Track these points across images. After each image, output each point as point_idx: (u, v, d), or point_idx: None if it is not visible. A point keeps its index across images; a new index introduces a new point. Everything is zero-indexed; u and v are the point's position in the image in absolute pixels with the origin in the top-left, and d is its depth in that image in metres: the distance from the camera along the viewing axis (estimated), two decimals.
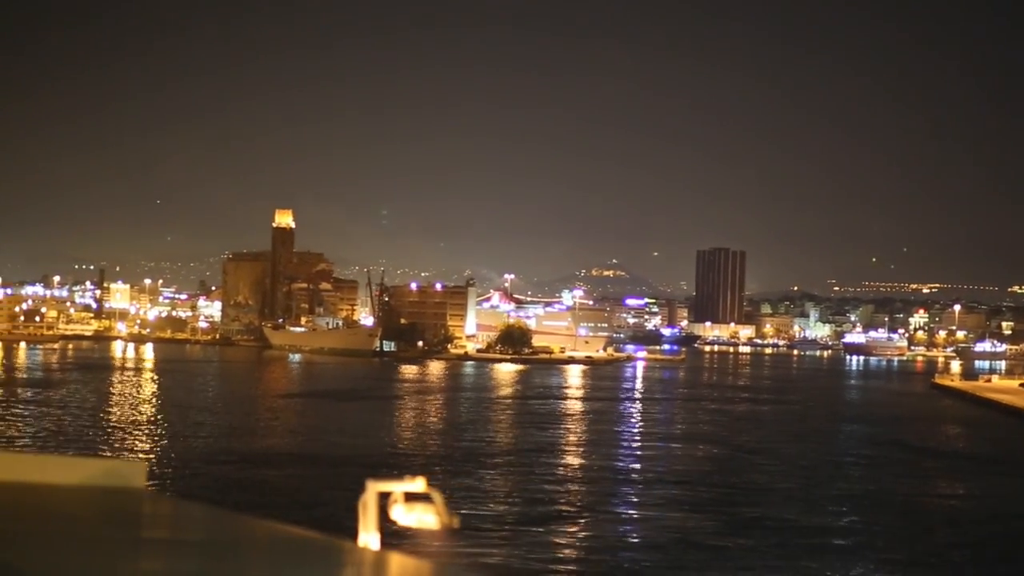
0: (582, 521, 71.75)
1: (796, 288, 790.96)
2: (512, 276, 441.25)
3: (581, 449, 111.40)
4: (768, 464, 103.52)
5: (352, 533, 7.56)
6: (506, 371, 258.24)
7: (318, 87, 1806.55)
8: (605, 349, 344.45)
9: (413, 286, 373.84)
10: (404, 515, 7.46)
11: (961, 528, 73.34)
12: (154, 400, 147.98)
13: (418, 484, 7.51)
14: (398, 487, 7.50)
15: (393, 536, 7.70)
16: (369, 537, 7.46)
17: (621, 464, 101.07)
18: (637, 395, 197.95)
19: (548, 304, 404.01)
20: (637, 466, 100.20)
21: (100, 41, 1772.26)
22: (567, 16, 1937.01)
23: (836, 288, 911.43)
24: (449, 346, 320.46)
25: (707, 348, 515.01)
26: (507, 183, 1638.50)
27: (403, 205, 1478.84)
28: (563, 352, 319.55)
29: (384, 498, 7.51)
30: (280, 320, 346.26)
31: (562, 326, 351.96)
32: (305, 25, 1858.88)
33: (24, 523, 7.29)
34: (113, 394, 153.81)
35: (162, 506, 8.69)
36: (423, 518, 7.45)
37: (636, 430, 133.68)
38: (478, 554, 59.52)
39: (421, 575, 7.13)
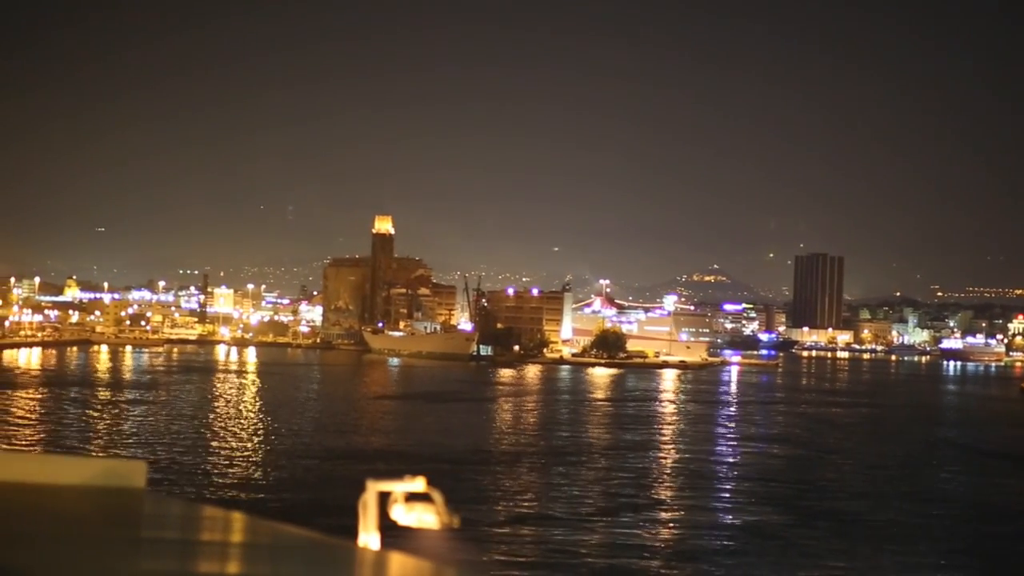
0: (656, 512, 76.89)
1: (899, 294, 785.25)
2: (607, 282, 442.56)
3: (666, 448, 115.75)
4: (845, 463, 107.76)
5: (352, 533, 7.67)
6: (600, 375, 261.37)
7: (416, 100, 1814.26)
8: (707, 354, 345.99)
9: (510, 291, 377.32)
10: (404, 515, 7.60)
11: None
12: (256, 401, 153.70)
13: (418, 484, 7.63)
14: (398, 487, 7.64)
15: (393, 536, 7.78)
16: (369, 537, 7.58)
17: (703, 462, 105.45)
18: (727, 399, 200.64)
19: (649, 309, 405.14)
20: (718, 464, 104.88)
21: (199, 46, 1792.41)
22: (671, 22, 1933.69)
23: (940, 294, 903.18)
24: (545, 350, 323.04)
25: (804, 353, 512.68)
26: (609, 189, 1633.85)
27: (505, 211, 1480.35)
28: (657, 357, 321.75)
29: (384, 498, 7.65)
30: (379, 324, 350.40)
31: (663, 331, 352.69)
32: (401, 40, 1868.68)
33: (24, 523, 7.37)
34: (216, 396, 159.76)
35: (162, 506, 8.74)
36: (423, 518, 7.58)
37: (721, 431, 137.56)
38: (560, 539, 64.69)
39: (421, 575, 7.15)
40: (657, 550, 63.99)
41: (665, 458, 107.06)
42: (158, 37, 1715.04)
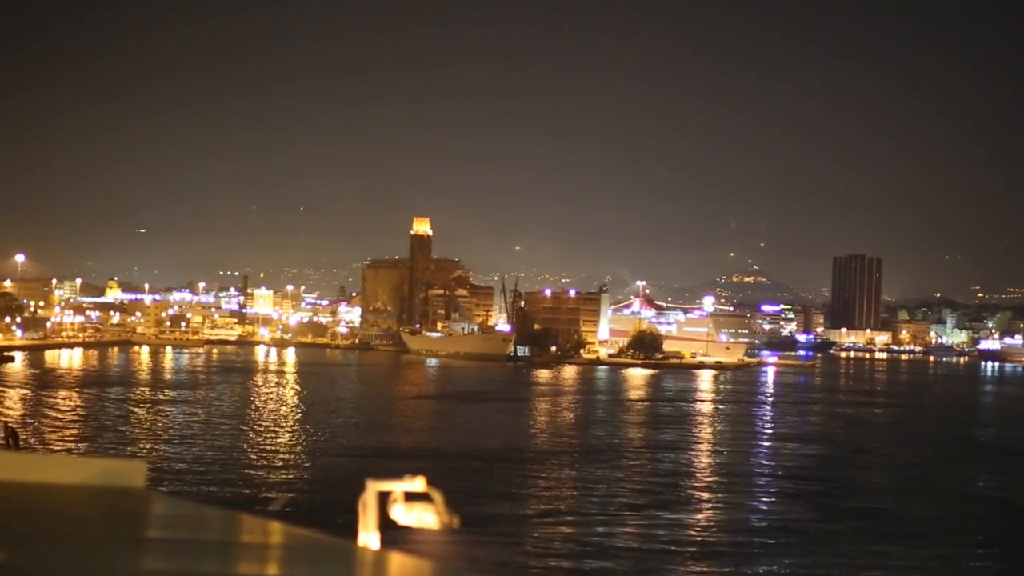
0: (685, 509, 78.35)
1: (939, 295, 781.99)
2: (644, 283, 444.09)
3: (699, 447, 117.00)
4: (874, 462, 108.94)
5: (352, 532, 7.69)
6: (637, 375, 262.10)
7: (453, 99, 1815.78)
8: (746, 355, 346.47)
9: (547, 292, 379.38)
10: (404, 514, 7.60)
11: None
12: (292, 401, 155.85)
13: (418, 483, 7.62)
14: (398, 486, 7.63)
15: (394, 535, 7.88)
16: (369, 536, 7.58)
17: (734, 461, 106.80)
18: (763, 399, 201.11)
19: (688, 310, 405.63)
20: (749, 463, 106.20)
21: (236, 48, 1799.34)
22: (714, 26, 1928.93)
23: (980, 295, 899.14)
24: (581, 351, 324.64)
25: (843, 354, 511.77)
26: (647, 191, 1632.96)
27: (541, 211, 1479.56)
28: (693, 357, 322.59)
29: (384, 498, 7.65)
30: (417, 325, 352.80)
31: (703, 332, 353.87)
32: (433, 40, 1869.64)
33: (25, 523, 7.35)
34: (253, 395, 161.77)
35: (162, 506, 8.68)
36: (423, 517, 7.58)
37: (755, 431, 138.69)
38: (586, 534, 66.45)
39: (421, 574, 7.19)
40: (683, 545, 65.35)
41: (697, 457, 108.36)
42: (193, 40, 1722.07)
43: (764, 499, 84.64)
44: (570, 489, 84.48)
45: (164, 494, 8.46)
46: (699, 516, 75.70)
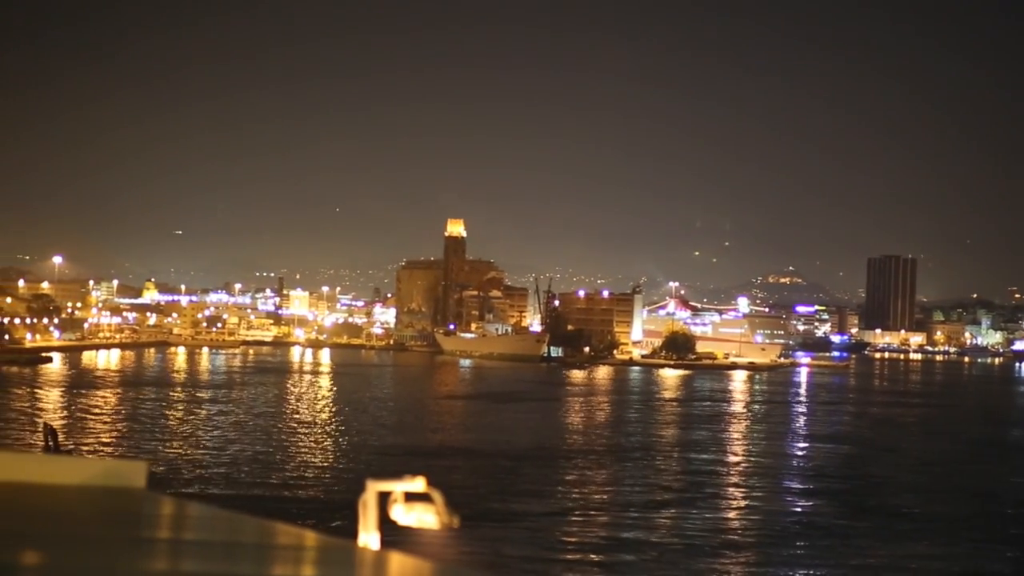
0: (710, 505, 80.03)
1: (975, 296, 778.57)
2: (677, 284, 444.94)
3: (728, 446, 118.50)
4: (900, 461, 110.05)
5: (352, 533, 7.68)
6: (670, 376, 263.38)
7: (487, 100, 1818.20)
8: (780, 356, 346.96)
9: (580, 293, 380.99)
10: (404, 515, 7.58)
11: None
12: (326, 401, 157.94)
13: (418, 484, 7.57)
14: (398, 486, 7.60)
15: (394, 535, 7.87)
16: (369, 537, 7.55)
17: (762, 459, 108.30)
18: (794, 399, 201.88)
19: (723, 311, 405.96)
20: (776, 461, 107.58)
21: (269, 46, 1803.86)
22: (743, 28, 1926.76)
23: (1017, 296, 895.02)
24: (615, 352, 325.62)
25: (877, 355, 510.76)
26: (679, 193, 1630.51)
27: (574, 213, 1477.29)
28: (726, 358, 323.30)
29: (385, 498, 7.62)
30: (451, 326, 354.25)
31: (738, 333, 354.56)
32: (468, 41, 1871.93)
33: (25, 523, 7.34)
34: (288, 395, 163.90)
35: (162, 506, 8.65)
36: (423, 518, 7.54)
37: (784, 430, 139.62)
38: (609, 529, 68.01)
39: (421, 575, 7.13)
40: (704, 540, 66.75)
41: (725, 455, 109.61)
42: (227, 42, 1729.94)
43: (788, 496, 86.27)
44: (596, 486, 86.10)
45: (164, 495, 8.69)
46: (722, 512, 77.34)
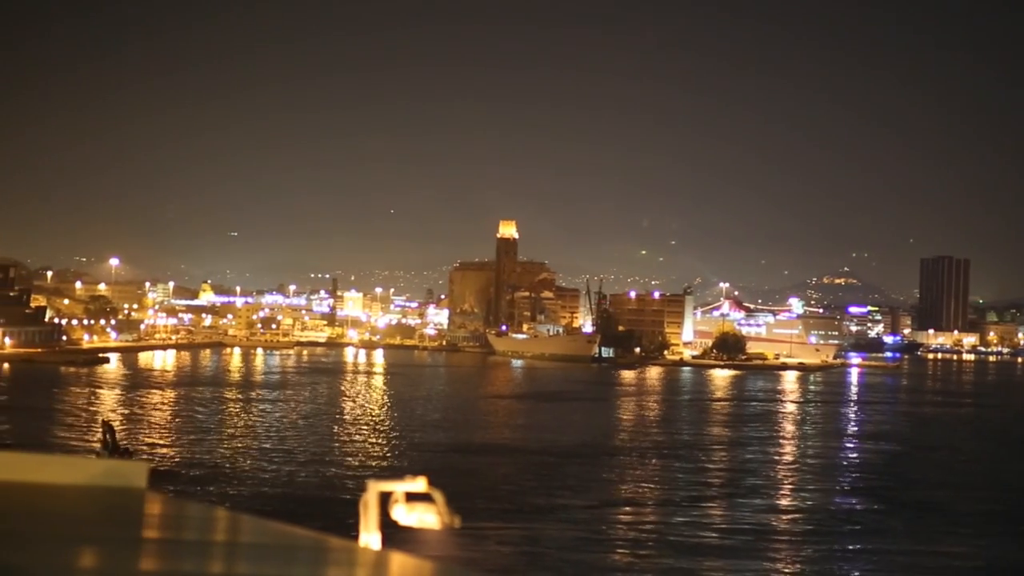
0: (751, 500, 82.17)
1: None
2: (727, 284, 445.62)
3: (773, 445, 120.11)
4: (944, 459, 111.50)
5: (353, 533, 7.72)
6: (720, 376, 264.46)
7: (537, 101, 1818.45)
8: (835, 357, 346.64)
9: (631, 294, 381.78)
10: (405, 515, 7.53)
11: None
12: (379, 400, 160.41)
13: (419, 484, 7.53)
14: (399, 487, 7.56)
15: (395, 535, 7.89)
16: (370, 537, 7.53)
17: (804, 456, 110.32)
18: (843, 399, 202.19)
19: (777, 312, 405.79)
20: (819, 459, 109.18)
21: (327, 46, 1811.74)
22: (799, 30, 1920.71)
23: None
24: (665, 352, 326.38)
25: (930, 355, 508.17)
26: (736, 191, 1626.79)
27: (626, 214, 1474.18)
28: (777, 359, 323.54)
29: (386, 498, 7.60)
30: (503, 327, 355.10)
31: (793, 334, 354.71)
32: (519, 42, 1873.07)
33: (25, 523, 7.32)
34: (341, 395, 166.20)
35: (162, 506, 8.62)
36: (424, 518, 7.50)
37: (830, 429, 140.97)
38: (645, 521, 70.05)
39: (422, 575, 7.18)
40: (743, 532, 68.70)
41: (770, 453, 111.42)
42: (290, 42, 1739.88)
43: (829, 492, 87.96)
44: (636, 482, 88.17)
45: (165, 495, 9.00)
46: (762, 506, 79.26)
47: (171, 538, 7.77)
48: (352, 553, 7.29)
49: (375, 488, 7.56)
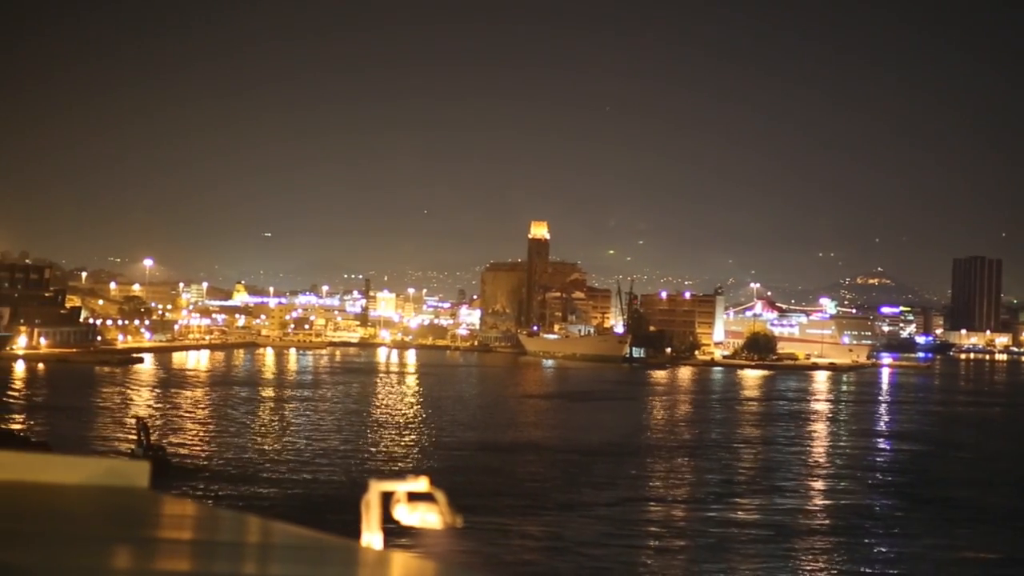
0: (775, 496, 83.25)
1: None
2: (758, 285, 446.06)
3: (801, 443, 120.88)
4: (966, 457, 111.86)
5: (355, 532, 7.66)
6: (751, 376, 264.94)
7: (574, 104, 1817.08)
8: (868, 357, 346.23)
9: (663, 295, 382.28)
10: (407, 515, 7.51)
11: None
12: (413, 399, 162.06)
13: (421, 484, 7.49)
14: (401, 486, 7.53)
15: (397, 535, 7.78)
16: (372, 537, 7.50)
17: (834, 455, 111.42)
18: (873, 399, 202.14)
19: (810, 313, 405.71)
20: (847, 457, 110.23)
21: (366, 54, 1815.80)
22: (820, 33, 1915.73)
23: None
24: (696, 352, 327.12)
25: (962, 356, 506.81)
26: (767, 192, 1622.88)
27: (657, 214, 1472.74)
28: (808, 359, 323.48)
29: (388, 498, 7.56)
30: (535, 328, 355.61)
31: (826, 334, 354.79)
32: (554, 44, 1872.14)
33: (26, 523, 7.31)
34: (373, 394, 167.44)
35: (163, 506, 8.60)
36: (426, 518, 7.48)
37: (858, 428, 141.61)
38: (666, 517, 71.20)
39: (424, 575, 7.18)
40: (767, 527, 69.83)
41: (798, 452, 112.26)
42: (327, 44, 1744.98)
43: (854, 489, 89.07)
44: (663, 480, 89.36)
45: (166, 495, 9.00)
46: (787, 502, 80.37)
47: (172, 538, 7.73)
48: (354, 553, 7.32)
49: (377, 488, 7.53)
